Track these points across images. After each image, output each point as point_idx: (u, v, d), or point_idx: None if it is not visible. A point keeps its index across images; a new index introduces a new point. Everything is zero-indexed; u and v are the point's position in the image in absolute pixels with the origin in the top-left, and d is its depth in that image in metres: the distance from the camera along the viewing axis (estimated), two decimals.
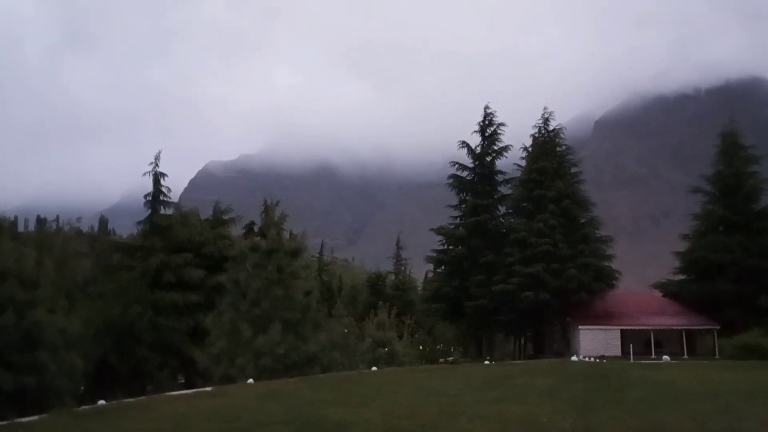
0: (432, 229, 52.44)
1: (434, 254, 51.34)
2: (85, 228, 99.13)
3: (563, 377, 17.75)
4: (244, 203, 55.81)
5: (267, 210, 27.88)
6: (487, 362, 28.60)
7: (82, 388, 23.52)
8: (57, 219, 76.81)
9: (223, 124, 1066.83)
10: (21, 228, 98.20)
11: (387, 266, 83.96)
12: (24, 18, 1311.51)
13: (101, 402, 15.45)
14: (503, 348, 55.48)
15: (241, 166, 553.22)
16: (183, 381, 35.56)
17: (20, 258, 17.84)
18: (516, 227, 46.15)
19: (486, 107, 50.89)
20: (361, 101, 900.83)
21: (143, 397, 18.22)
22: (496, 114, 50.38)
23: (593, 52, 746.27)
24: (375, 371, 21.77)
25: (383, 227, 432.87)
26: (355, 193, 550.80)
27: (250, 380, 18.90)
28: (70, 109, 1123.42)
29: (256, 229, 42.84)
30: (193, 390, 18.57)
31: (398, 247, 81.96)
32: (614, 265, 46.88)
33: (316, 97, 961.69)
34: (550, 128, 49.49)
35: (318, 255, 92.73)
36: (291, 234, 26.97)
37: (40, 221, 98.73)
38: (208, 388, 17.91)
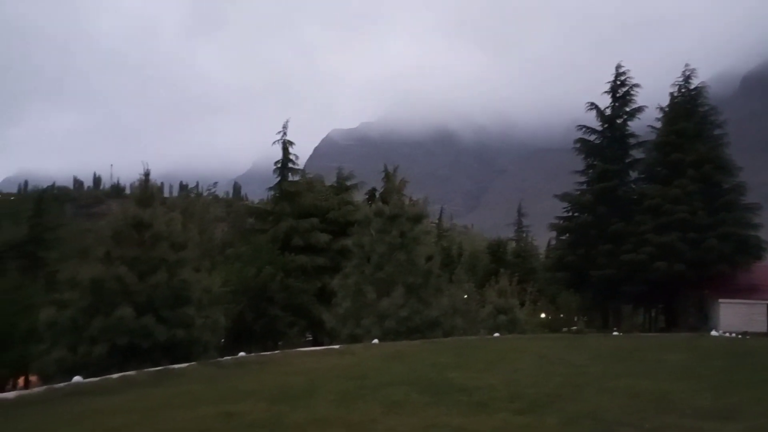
0: (556, 196, 50.75)
1: (558, 221, 49.83)
2: (220, 193, 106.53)
3: (700, 353, 16.62)
4: (364, 170, 57.05)
5: (388, 176, 28.32)
6: (615, 333, 27.49)
7: (223, 341, 25.54)
8: (197, 185, 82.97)
9: (345, 94, 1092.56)
10: (166, 194, 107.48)
11: (507, 233, 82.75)
12: (158, 4, 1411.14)
13: (242, 354, 16.75)
14: (631, 320, 53.05)
15: (361, 133, 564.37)
16: (311, 339, 37.55)
17: (170, 222, 19.46)
18: (649, 193, 43.53)
19: (618, 66, 48.06)
20: (479, 67, 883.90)
21: (277, 351, 19.51)
22: (630, 74, 47.41)
23: (739, 6, 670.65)
24: (497, 337, 21.68)
25: (503, 194, 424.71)
26: (474, 159, 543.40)
27: (375, 340, 19.57)
28: (201, 87, 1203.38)
29: (377, 195, 43.84)
30: (322, 347, 19.56)
31: (519, 213, 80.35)
32: (762, 234, 42.98)
33: (433, 64, 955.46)
34: (692, 87, 45.79)
35: (437, 221, 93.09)
36: (411, 200, 27.21)
37: (183, 187, 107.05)
38: (336, 346, 18.79)
